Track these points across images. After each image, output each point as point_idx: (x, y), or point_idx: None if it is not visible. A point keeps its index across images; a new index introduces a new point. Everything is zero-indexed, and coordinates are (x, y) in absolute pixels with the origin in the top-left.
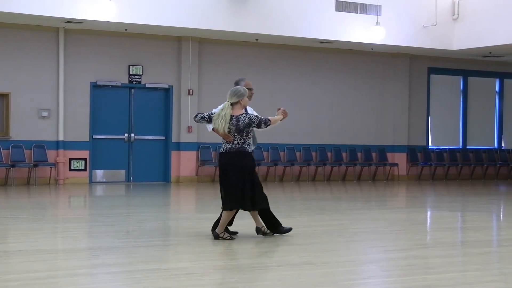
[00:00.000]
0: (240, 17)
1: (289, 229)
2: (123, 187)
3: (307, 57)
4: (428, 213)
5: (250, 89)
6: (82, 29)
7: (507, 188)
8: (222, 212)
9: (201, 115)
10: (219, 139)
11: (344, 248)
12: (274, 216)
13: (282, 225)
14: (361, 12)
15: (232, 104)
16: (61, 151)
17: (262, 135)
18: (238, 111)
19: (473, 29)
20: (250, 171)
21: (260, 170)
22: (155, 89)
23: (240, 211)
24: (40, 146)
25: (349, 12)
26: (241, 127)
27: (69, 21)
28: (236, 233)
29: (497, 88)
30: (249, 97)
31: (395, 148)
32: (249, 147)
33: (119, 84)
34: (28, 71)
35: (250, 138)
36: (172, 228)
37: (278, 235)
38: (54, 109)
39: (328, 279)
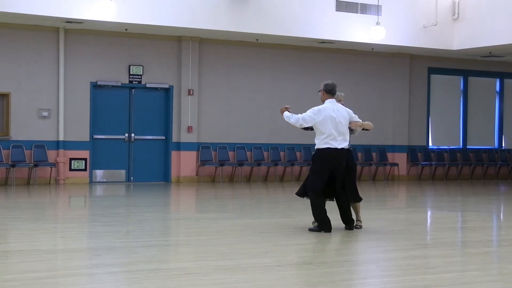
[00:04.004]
0: (240, 17)
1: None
2: (123, 187)
3: (307, 57)
4: (428, 213)
5: None
6: (82, 29)
7: (507, 188)
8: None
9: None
10: (219, 139)
11: (344, 248)
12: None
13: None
14: (361, 12)
15: None
16: (61, 151)
17: (261, 136)
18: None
19: (473, 29)
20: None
21: (260, 170)
22: (155, 89)
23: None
24: (40, 146)
25: (349, 12)
26: None
27: (69, 21)
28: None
29: (497, 88)
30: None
31: (395, 148)
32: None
33: (119, 84)
34: (28, 71)
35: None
36: (172, 228)
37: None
38: (54, 109)
39: (327, 279)
